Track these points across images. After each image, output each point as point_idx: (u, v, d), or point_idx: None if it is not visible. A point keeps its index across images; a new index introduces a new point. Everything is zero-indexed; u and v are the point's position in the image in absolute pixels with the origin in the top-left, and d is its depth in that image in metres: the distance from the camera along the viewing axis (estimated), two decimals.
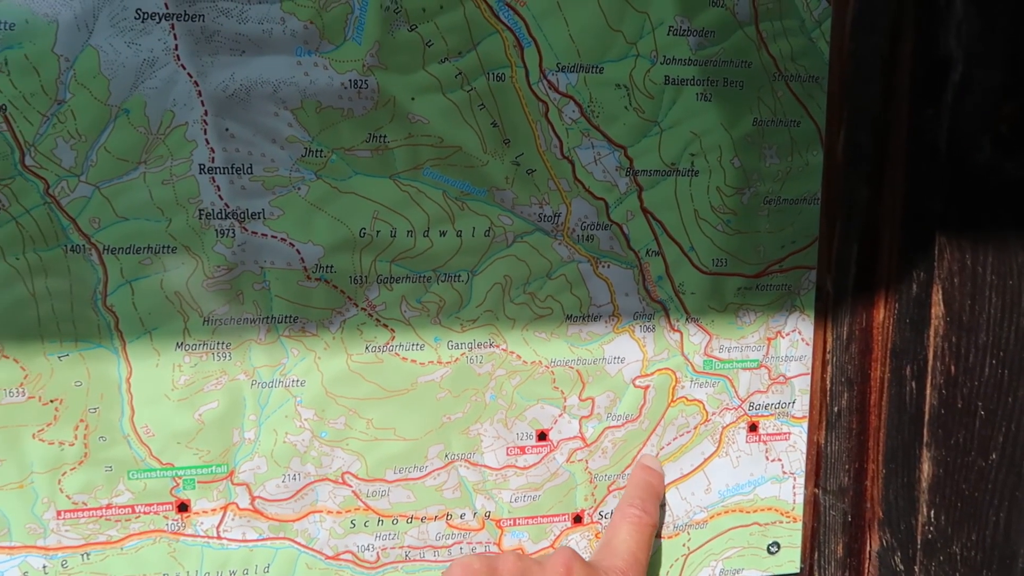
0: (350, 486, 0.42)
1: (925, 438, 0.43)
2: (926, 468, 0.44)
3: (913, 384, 0.44)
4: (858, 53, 0.44)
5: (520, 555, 0.40)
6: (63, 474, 0.38)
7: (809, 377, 0.47)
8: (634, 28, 0.41)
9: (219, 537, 0.40)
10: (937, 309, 0.42)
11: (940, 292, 0.42)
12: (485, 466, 0.43)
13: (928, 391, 0.43)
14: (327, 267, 0.40)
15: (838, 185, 0.45)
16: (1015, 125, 0.41)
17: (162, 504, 0.40)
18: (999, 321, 0.43)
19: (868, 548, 0.47)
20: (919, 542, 0.45)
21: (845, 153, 0.45)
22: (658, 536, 0.46)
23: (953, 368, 0.43)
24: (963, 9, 0.40)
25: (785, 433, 0.47)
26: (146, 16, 0.36)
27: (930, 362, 0.43)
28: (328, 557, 0.42)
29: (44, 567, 0.38)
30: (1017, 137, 0.41)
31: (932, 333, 0.43)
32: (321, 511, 0.41)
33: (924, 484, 0.44)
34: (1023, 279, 0.42)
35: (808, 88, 0.44)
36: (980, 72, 0.41)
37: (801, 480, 0.48)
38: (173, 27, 0.36)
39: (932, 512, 0.44)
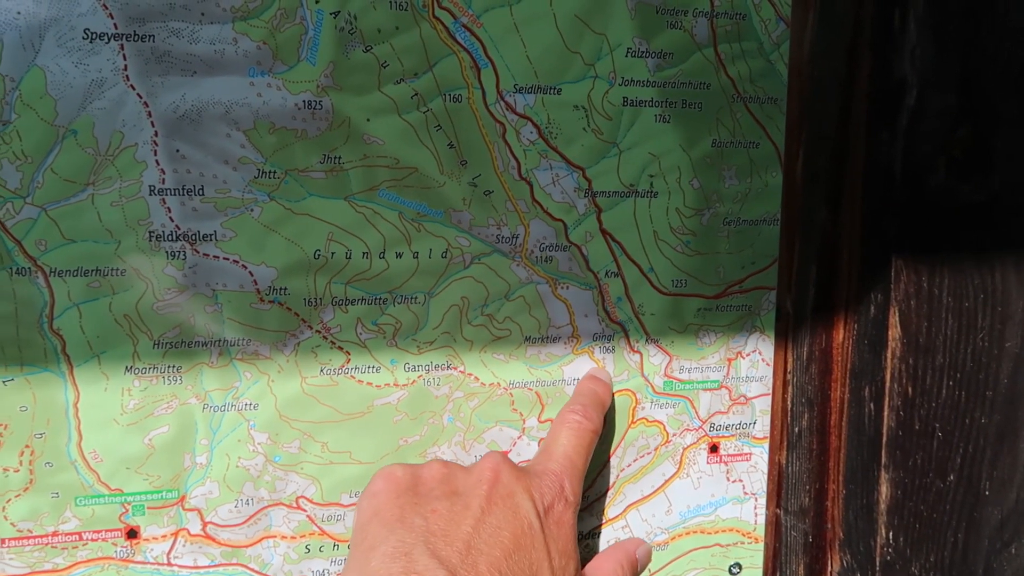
0: (305, 511, 0.41)
1: (883, 459, 0.44)
2: (884, 489, 0.44)
3: (872, 405, 0.44)
4: (816, 75, 0.44)
5: (446, 462, 0.39)
6: (7, 501, 0.37)
7: (770, 398, 0.47)
8: (592, 49, 0.41)
9: (170, 564, 0.40)
10: (894, 331, 0.43)
11: (897, 314, 0.42)
12: None
13: (886, 412, 0.43)
14: (281, 289, 0.39)
15: (797, 206, 0.45)
16: (969, 149, 0.41)
17: (111, 531, 0.39)
18: (955, 343, 0.43)
19: (829, 569, 0.47)
20: (878, 564, 0.45)
21: (804, 175, 0.45)
22: None
23: (910, 390, 0.43)
24: (917, 34, 0.41)
25: (746, 454, 0.47)
26: (94, 36, 0.35)
27: (888, 384, 0.43)
28: None
29: None
30: (971, 161, 0.41)
31: (889, 355, 0.43)
32: (275, 536, 0.41)
33: (883, 505, 0.44)
34: (979, 301, 0.42)
35: (767, 110, 0.44)
36: (934, 96, 0.41)
37: (763, 501, 0.48)
38: (122, 47, 0.36)
39: (891, 534, 0.44)
